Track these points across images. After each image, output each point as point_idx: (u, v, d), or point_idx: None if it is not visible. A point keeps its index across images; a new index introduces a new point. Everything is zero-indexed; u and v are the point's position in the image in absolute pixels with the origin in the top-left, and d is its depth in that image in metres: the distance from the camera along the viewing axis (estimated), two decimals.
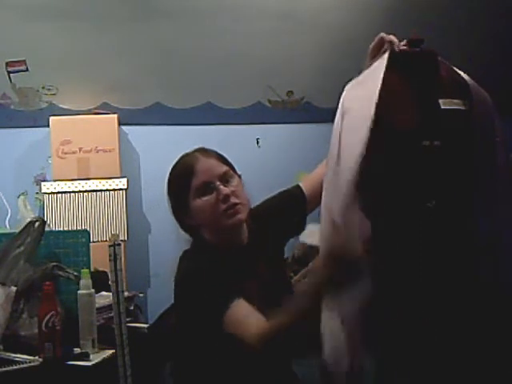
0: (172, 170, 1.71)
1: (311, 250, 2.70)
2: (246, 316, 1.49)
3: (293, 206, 1.78)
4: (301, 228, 1.82)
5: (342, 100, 1.48)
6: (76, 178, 3.72)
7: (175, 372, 1.80)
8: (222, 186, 1.61)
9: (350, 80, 1.58)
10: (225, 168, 1.65)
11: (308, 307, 1.41)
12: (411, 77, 1.46)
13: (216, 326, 1.51)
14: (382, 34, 1.50)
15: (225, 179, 1.63)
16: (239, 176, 1.70)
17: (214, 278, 1.56)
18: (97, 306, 2.05)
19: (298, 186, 1.80)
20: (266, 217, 1.75)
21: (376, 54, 1.52)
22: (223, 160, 1.68)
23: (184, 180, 1.64)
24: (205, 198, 1.61)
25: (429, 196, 1.42)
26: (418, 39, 1.50)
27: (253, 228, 1.71)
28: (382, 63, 1.43)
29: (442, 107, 1.44)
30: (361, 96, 1.42)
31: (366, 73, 1.50)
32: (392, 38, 1.48)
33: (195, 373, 1.66)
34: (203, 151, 1.69)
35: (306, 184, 1.80)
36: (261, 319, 1.47)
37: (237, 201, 1.61)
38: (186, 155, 1.70)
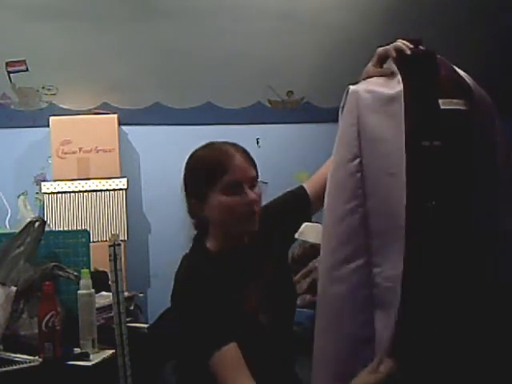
0: (202, 156, 1.65)
1: (311, 250, 2.71)
2: (233, 369, 1.50)
3: (297, 207, 1.78)
4: None
5: (354, 105, 1.48)
6: (76, 178, 3.73)
7: (177, 371, 1.80)
8: (249, 191, 1.59)
9: (350, 80, 1.58)
10: (254, 173, 1.64)
11: None
12: (410, 77, 1.46)
13: (204, 359, 1.52)
14: (391, 53, 1.50)
15: (252, 184, 1.62)
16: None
17: (209, 301, 1.55)
18: (97, 306, 2.05)
19: (301, 187, 1.80)
20: (271, 218, 1.75)
21: (383, 62, 1.53)
22: (254, 164, 1.67)
23: (215, 172, 1.59)
24: (230, 197, 1.58)
25: (428, 196, 1.42)
26: (415, 39, 1.50)
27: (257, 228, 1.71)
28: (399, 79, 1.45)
29: (442, 107, 1.44)
30: (387, 124, 1.43)
31: (381, 81, 1.50)
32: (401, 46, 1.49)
33: (197, 372, 1.66)
34: (237, 147, 1.66)
35: (309, 185, 1.80)
36: (249, 378, 1.49)
37: (257, 209, 1.61)
38: (220, 146, 1.65)
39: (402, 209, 1.38)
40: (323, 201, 1.60)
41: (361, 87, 1.51)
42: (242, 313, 1.61)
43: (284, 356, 1.64)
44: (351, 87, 1.52)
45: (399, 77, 1.46)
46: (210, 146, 1.67)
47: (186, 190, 1.67)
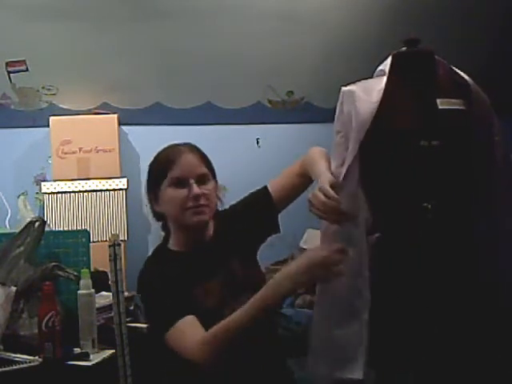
0: (157, 155, 1.76)
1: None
2: (183, 331, 1.56)
3: (260, 206, 1.83)
4: (273, 226, 1.86)
5: (340, 108, 1.49)
6: (76, 178, 3.72)
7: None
8: (195, 185, 1.67)
9: (350, 80, 1.58)
10: (204, 170, 1.72)
11: (249, 315, 1.48)
12: (409, 77, 1.46)
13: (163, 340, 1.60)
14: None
15: (201, 180, 1.70)
16: (216, 182, 1.76)
17: (166, 291, 1.65)
18: (97, 306, 2.05)
19: (265, 187, 1.86)
20: (236, 217, 1.80)
21: None
22: (206, 163, 1.74)
23: (163, 168, 1.70)
24: (176, 190, 1.68)
25: (427, 196, 1.42)
26: (414, 39, 1.50)
27: (219, 227, 1.77)
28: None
29: (440, 107, 1.44)
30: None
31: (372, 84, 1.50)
32: None
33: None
34: (190, 147, 1.75)
35: (272, 185, 1.85)
36: (199, 330, 1.54)
37: (205, 203, 1.68)
38: (174, 146, 1.76)
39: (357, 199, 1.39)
40: (286, 200, 1.79)
41: (347, 89, 1.51)
42: (204, 310, 1.64)
43: (257, 353, 1.66)
44: (343, 88, 1.52)
45: (383, 84, 1.46)
46: (167, 147, 1.76)
47: (147, 195, 1.78)
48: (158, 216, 1.78)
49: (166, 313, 1.62)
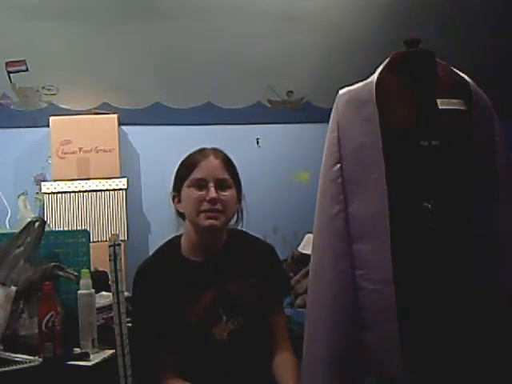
0: (185, 157, 1.81)
1: None
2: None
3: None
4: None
5: (335, 110, 1.49)
6: (76, 177, 3.72)
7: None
8: (213, 189, 1.69)
9: (350, 80, 1.58)
10: (226, 176, 1.73)
11: None
12: (409, 77, 1.46)
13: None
14: None
15: (221, 185, 1.72)
16: (239, 192, 1.77)
17: (153, 303, 1.74)
18: (97, 306, 2.05)
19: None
20: (259, 266, 1.79)
21: None
22: (230, 170, 1.76)
23: (187, 169, 1.75)
24: (195, 191, 1.71)
25: (427, 196, 1.42)
26: (415, 39, 1.50)
27: (232, 245, 1.78)
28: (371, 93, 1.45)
29: (440, 107, 1.44)
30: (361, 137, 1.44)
31: (360, 89, 1.49)
32: None
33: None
34: (217, 152, 1.77)
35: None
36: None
37: (220, 208, 1.69)
38: (202, 149, 1.79)
39: (385, 213, 1.39)
40: None
41: (343, 91, 1.51)
42: (190, 320, 1.68)
43: (241, 373, 1.67)
44: (340, 91, 1.53)
45: (375, 77, 1.46)
46: (196, 150, 1.81)
47: (172, 191, 1.83)
48: (181, 215, 1.82)
49: (142, 317, 1.74)
